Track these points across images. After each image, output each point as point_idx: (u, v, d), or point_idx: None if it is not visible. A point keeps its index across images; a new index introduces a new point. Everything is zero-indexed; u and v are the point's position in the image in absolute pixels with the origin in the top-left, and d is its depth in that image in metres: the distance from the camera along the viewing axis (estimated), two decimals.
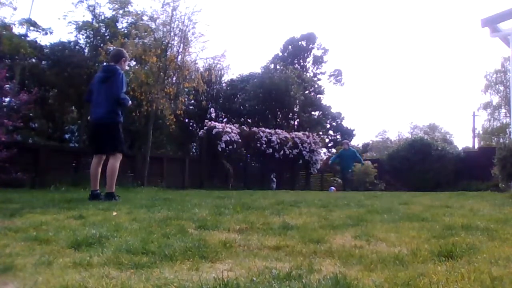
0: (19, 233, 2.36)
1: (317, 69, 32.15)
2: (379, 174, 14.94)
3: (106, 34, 12.37)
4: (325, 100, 28.57)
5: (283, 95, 16.73)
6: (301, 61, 31.25)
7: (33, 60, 11.90)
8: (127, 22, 12.54)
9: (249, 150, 13.02)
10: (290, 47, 31.28)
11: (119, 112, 4.79)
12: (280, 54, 30.99)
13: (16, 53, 10.50)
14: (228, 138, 11.85)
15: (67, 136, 14.29)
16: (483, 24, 9.13)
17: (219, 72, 16.29)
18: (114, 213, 3.22)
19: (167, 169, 11.46)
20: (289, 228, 2.61)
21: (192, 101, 15.51)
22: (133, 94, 10.54)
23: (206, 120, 13.16)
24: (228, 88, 17.65)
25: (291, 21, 61.87)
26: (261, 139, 12.96)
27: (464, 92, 71.90)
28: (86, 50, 12.73)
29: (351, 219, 3.04)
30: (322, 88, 28.98)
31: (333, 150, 24.54)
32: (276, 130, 13.94)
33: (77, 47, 12.74)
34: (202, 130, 12.72)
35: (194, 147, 16.01)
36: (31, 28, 12.08)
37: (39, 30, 12.30)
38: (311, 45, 31.69)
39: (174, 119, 11.09)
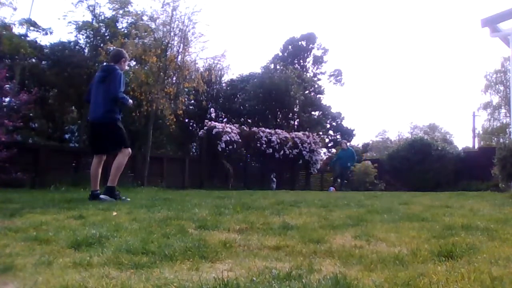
0: (19, 233, 2.36)
1: (317, 69, 32.17)
2: (379, 174, 14.95)
3: (106, 34, 12.37)
4: (325, 100, 28.60)
5: (283, 95, 16.73)
6: (301, 61, 31.25)
7: (33, 60, 11.90)
8: (127, 22, 12.55)
9: (249, 150, 13.03)
10: (290, 47, 31.28)
11: (117, 110, 4.75)
12: (280, 54, 30.99)
13: (16, 53, 10.51)
14: (228, 138, 11.85)
15: (67, 136, 14.29)
16: (483, 24, 9.14)
17: (219, 72, 16.30)
18: (114, 213, 3.22)
19: (167, 169, 11.46)
20: (289, 228, 2.61)
21: (192, 101, 15.51)
22: (133, 94, 10.55)
23: (206, 120, 13.17)
24: (228, 88, 17.65)
25: (291, 21, 61.92)
26: (261, 139, 12.97)
27: (464, 92, 71.97)
28: (86, 50, 12.74)
29: (351, 219, 3.04)
30: (322, 88, 28.99)
31: (333, 150, 24.54)
32: (276, 130, 13.95)
33: (77, 47, 12.74)
34: (202, 130, 12.73)
35: (194, 147, 16.01)
36: (31, 28, 12.08)
37: (39, 30, 12.30)
38: (311, 45, 31.70)
39: (174, 119, 11.10)
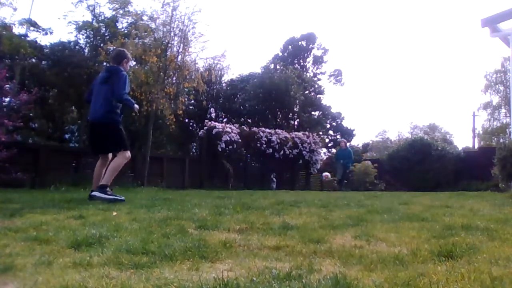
0: (19, 233, 2.36)
1: (317, 69, 32.16)
2: (379, 174, 14.96)
3: (106, 34, 12.37)
4: (325, 100, 28.59)
5: (283, 95, 16.73)
6: (301, 61, 31.25)
7: (33, 60, 11.90)
8: (127, 22, 12.55)
9: (249, 150, 13.03)
10: (290, 47, 31.28)
11: (118, 112, 4.67)
12: (280, 54, 30.99)
13: (16, 53, 10.51)
14: (228, 138, 11.85)
15: (67, 136, 14.29)
16: (483, 24, 9.14)
17: (219, 72, 16.30)
18: (114, 213, 3.22)
19: (167, 169, 11.46)
20: (289, 228, 2.61)
21: (192, 101, 15.51)
22: (133, 94, 10.55)
23: (206, 120, 13.17)
24: (228, 88, 17.65)
25: (291, 21, 61.90)
26: (261, 139, 12.97)
27: (464, 92, 71.92)
28: (86, 50, 12.74)
29: (351, 219, 3.04)
30: (322, 88, 28.98)
31: (333, 150, 24.53)
32: (276, 130, 13.94)
33: (77, 47, 12.74)
34: (202, 130, 12.73)
35: (194, 147, 16.02)
36: (31, 28, 12.08)
37: (39, 30, 12.30)
38: (311, 45, 31.69)
39: (174, 119, 11.09)
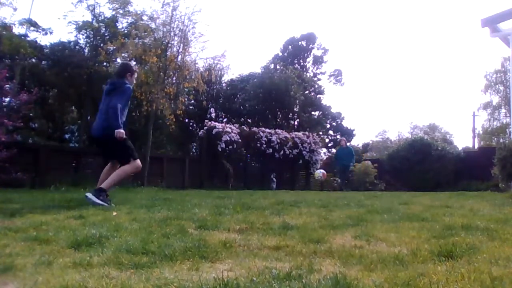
0: (19, 233, 2.36)
1: (317, 69, 32.14)
2: (379, 174, 14.94)
3: (106, 34, 12.38)
4: (325, 100, 28.56)
5: (283, 95, 16.73)
6: (301, 61, 31.23)
7: (33, 60, 11.91)
8: (127, 22, 12.55)
9: (249, 150, 13.03)
10: (290, 47, 31.26)
11: (119, 123, 4.42)
12: (280, 54, 30.97)
13: (16, 53, 10.51)
14: (228, 138, 11.85)
15: (67, 136, 14.30)
16: (483, 24, 9.14)
17: (219, 72, 16.31)
18: (114, 213, 3.22)
19: (167, 169, 11.46)
20: (289, 228, 2.61)
21: (192, 101, 15.52)
22: (133, 94, 10.54)
23: (206, 120, 13.17)
24: (228, 88, 17.66)
25: (291, 21, 61.88)
26: (261, 139, 12.97)
27: (464, 92, 71.88)
28: (86, 50, 12.74)
29: (351, 219, 3.04)
30: (322, 88, 28.96)
31: (333, 150, 24.53)
32: (276, 130, 13.94)
33: (77, 47, 12.75)
34: (202, 130, 12.73)
35: (194, 147, 16.02)
36: (31, 28, 12.09)
37: (39, 30, 12.31)
38: (311, 45, 31.68)
39: (174, 119, 11.09)
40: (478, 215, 3.36)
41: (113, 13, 12.47)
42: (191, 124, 15.98)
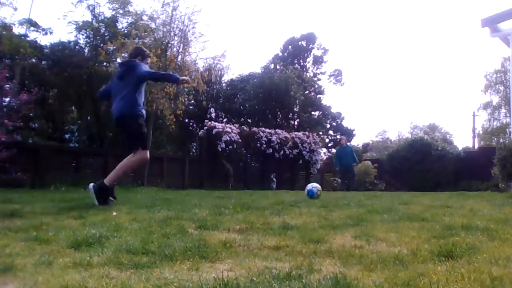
0: (19, 233, 2.36)
1: (317, 69, 32.14)
2: (379, 174, 14.95)
3: (106, 34, 12.38)
4: (325, 100, 28.59)
5: (283, 95, 16.74)
6: (301, 61, 31.23)
7: (33, 60, 11.91)
8: (127, 22, 12.56)
9: (249, 150, 13.04)
10: (290, 47, 31.27)
11: (139, 105, 4.29)
12: (280, 54, 30.98)
13: (16, 53, 10.51)
14: (228, 138, 11.85)
15: (67, 136, 14.31)
16: (483, 24, 9.14)
17: (219, 72, 16.31)
18: (114, 213, 3.22)
19: (167, 169, 11.46)
20: (289, 228, 2.61)
21: (192, 101, 15.53)
22: None
23: (206, 120, 13.18)
24: (228, 88, 17.66)
25: (291, 21, 61.89)
26: (261, 139, 12.98)
27: (464, 92, 71.92)
28: (86, 50, 12.75)
29: (351, 219, 3.04)
30: (322, 88, 28.99)
31: (333, 150, 24.53)
32: (276, 130, 13.95)
33: (77, 47, 12.75)
34: (202, 130, 12.74)
35: (194, 147, 16.03)
36: (31, 28, 12.10)
37: (39, 30, 12.32)
38: (311, 45, 31.68)
39: (174, 119, 11.09)
40: (478, 215, 3.36)
41: (113, 13, 12.48)
42: (191, 124, 15.99)
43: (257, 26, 67.82)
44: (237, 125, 13.24)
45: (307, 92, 23.05)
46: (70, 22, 12.44)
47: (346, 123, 30.80)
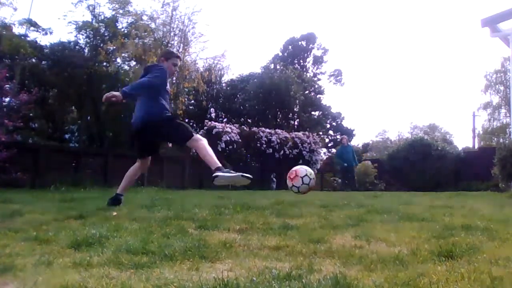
0: (19, 233, 2.36)
1: (317, 69, 32.17)
2: (379, 174, 14.93)
3: (106, 34, 12.38)
4: (325, 100, 28.61)
5: (283, 95, 16.74)
6: (301, 61, 31.25)
7: (33, 60, 11.91)
8: (127, 22, 12.58)
9: (249, 150, 13.02)
10: (290, 47, 31.29)
11: (153, 110, 3.89)
12: (280, 54, 31.00)
13: (16, 53, 10.52)
14: (228, 138, 11.85)
15: (67, 136, 14.30)
16: (483, 24, 9.14)
17: (219, 72, 16.32)
18: (114, 213, 3.22)
19: (167, 169, 11.45)
20: (289, 228, 2.61)
21: (192, 101, 15.53)
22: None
23: (206, 120, 13.17)
24: (228, 88, 17.67)
25: (291, 21, 61.87)
26: (261, 139, 12.97)
27: (464, 92, 71.85)
28: (86, 50, 12.75)
29: (351, 219, 3.04)
30: (322, 88, 29.02)
31: (333, 150, 24.53)
32: (276, 130, 13.95)
33: (77, 47, 12.76)
34: (202, 130, 12.73)
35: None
36: (31, 28, 12.10)
37: (39, 30, 12.32)
38: (311, 45, 31.70)
39: None
40: (478, 215, 3.36)
41: (113, 13, 12.49)
42: (191, 124, 15.99)
43: (257, 26, 67.72)
44: (237, 125, 13.24)
45: (307, 92, 23.05)
46: (70, 22, 12.47)
47: (346, 123, 30.87)
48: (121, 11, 12.40)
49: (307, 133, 15.10)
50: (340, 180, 13.24)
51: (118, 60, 12.30)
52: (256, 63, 62.60)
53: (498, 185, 9.04)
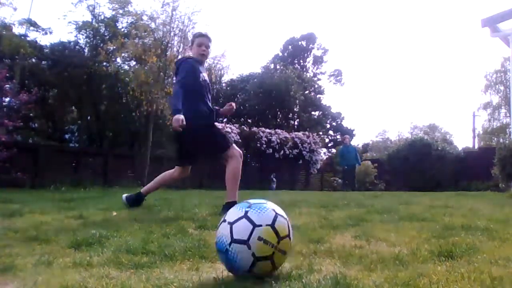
0: (19, 233, 2.36)
1: (317, 69, 32.18)
2: (379, 174, 14.94)
3: (106, 34, 12.37)
4: (325, 100, 28.62)
5: (283, 95, 16.74)
6: (301, 61, 31.27)
7: (33, 60, 11.90)
8: (127, 22, 12.55)
9: (249, 150, 13.01)
10: (290, 47, 31.30)
11: (176, 108, 3.43)
12: (280, 54, 31.01)
13: (16, 53, 10.51)
14: None
15: (67, 136, 14.29)
16: (483, 24, 9.14)
17: (219, 72, 16.31)
18: (114, 213, 3.22)
19: (167, 169, 11.40)
20: None
21: None
22: (132, 94, 10.52)
23: None
24: (228, 88, 17.67)
25: (291, 21, 61.90)
26: (261, 139, 12.98)
27: (464, 92, 71.89)
28: (86, 50, 12.73)
29: (351, 219, 3.03)
30: (322, 88, 29.03)
31: (333, 150, 24.51)
32: (276, 130, 13.95)
33: (77, 47, 12.74)
34: None
35: None
36: (31, 28, 12.08)
37: (39, 30, 12.31)
38: (311, 45, 31.72)
39: None
40: (478, 215, 3.36)
41: (113, 13, 12.47)
42: None
43: (257, 27, 67.79)
44: (237, 125, 13.24)
45: (307, 92, 23.04)
46: (70, 22, 12.45)
47: (346, 123, 30.87)
48: (121, 11, 12.39)
49: (307, 133, 15.12)
50: (340, 180, 13.21)
51: (118, 60, 12.26)
52: (256, 63, 62.64)
53: (498, 185, 9.05)
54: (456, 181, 13.39)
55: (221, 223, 1.58)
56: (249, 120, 16.93)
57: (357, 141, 33.73)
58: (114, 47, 10.98)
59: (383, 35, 68.48)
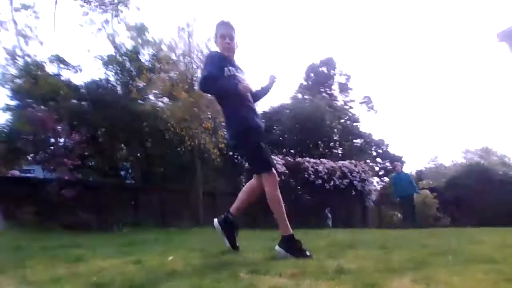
0: (81, 278, 2.50)
1: (345, 96, 31.45)
2: (440, 204, 13.77)
3: (132, 69, 12.50)
4: (362, 127, 27.70)
5: (318, 125, 16.52)
6: (327, 88, 30.55)
7: (74, 101, 12.22)
8: (148, 54, 12.68)
9: (297, 182, 12.73)
10: (311, 74, 31.02)
11: (237, 118, 3.23)
12: (305, 83, 30.77)
13: (56, 95, 10.83)
14: None
15: (122, 173, 14.83)
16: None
17: None
18: (170, 258, 3.29)
19: (219, 205, 11.28)
20: (343, 272, 2.52)
21: None
22: (174, 131, 10.49)
23: None
24: (263, 121, 17.78)
25: (306, 47, 59.36)
26: (307, 169, 12.63)
27: None
28: (118, 88, 12.92)
29: (410, 262, 2.86)
30: (356, 116, 28.18)
31: (386, 179, 23.50)
32: (321, 159, 13.58)
33: (109, 84, 13.01)
34: None
35: (244, 181, 16.08)
36: (61, 65, 12.45)
37: (69, 68, 12.77)
38: (332, 71, 31.23)
39: (218, 153, 11.00)
40: None
41: (133, 43, 12.47)
42: (235, 157, 16.09)
43: (276, 55, 65.37)
44: (280, 156, 13.06)
45: (342, 121, 22.61)
46: (96, 57, 12.76)
47: (392, 150, 29.67)
48: (139, 40, 12.29)
49: (353, 161, 14.52)
50: (400, 215, 12.22)
51: (151, 97, 12.15)
52: (283, 92, 61.09)
53: None
54: None
55: None
56: (292, 151, 16.78)
57: (409, 169, 32.18)
58: (144, 84, 11.03)
59: (412, 57, 65.26)
